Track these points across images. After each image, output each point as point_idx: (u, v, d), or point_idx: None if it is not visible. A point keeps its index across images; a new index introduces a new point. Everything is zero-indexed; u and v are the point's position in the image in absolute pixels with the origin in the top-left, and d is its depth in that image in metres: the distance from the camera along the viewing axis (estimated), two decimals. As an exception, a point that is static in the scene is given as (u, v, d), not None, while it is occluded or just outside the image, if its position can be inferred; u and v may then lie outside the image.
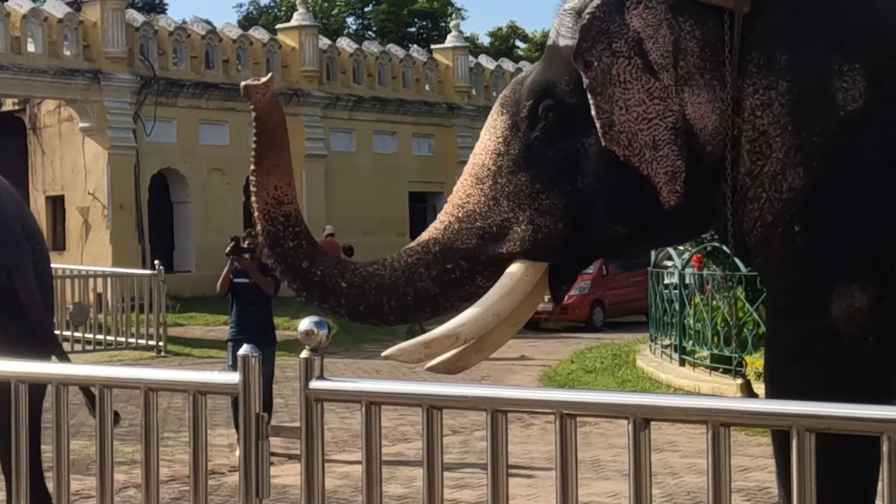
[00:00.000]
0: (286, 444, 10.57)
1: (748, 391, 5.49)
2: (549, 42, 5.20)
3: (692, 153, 4.83)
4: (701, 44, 4.83)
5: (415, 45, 39.32)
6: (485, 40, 57.75)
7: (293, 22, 33.35)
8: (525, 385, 16.38)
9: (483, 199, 5.10)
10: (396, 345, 5.12)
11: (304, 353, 3.97)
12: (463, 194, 5.19)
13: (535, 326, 26.32)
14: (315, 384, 3.94)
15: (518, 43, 59.36)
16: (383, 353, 5.14)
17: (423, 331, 5.82)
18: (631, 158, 4.85)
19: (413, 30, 55.14)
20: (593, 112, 4.89)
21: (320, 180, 32.14)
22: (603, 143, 4.89)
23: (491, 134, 5.19)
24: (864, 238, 4.64)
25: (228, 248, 11.93)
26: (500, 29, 58.87)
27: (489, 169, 5.12)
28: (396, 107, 33.97)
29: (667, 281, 18.03)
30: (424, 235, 5.24)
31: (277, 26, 35.04)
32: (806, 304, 4.73)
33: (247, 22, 47.97)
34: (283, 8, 52.52)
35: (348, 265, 5.27)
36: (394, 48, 36.17)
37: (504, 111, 5.18)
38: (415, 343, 5.08)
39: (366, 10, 56.66)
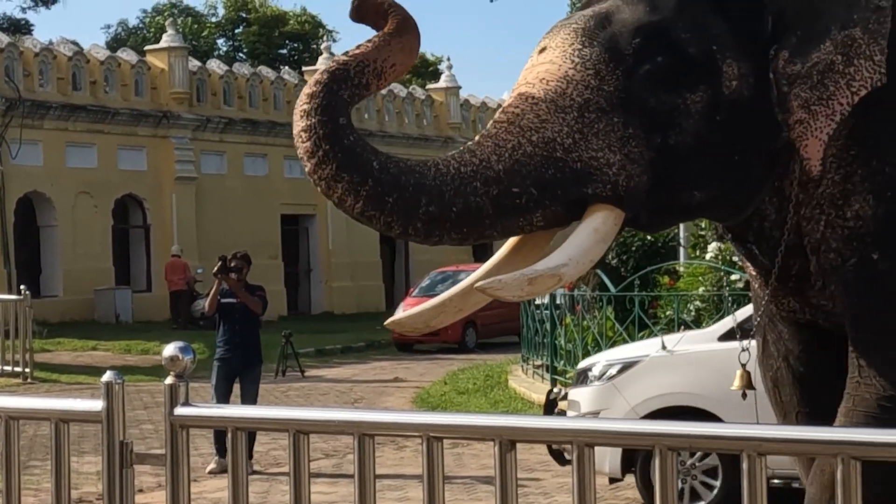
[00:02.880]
0: (155, 471, 10.43)
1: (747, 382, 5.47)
2: None
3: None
4: None
5: (286, 67, 39.19)
6: (356, 62, 57.73)
7: (162, 43, 33.04)
8: (398, 407, 16.38)
9: (567, 130, 4.66)
10: (495, 277, 4.61)
11: (169, 380, 3.93)
12: (536, 119, 4.68)
13: (409, 348, 26.34)
14: (180, 410, 3.91)
15: (390, 65, 59.42)
16: (478, 285, 4.60)
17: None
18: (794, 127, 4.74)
19: (284, 52, 54.89)
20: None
21: (191, 203, 31.85)
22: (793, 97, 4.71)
23: (575, 63, 4.73)
24: None
25: (216, 268, 12.22)
26: (371, 51, 58.88)
27: (574, 100, 4.69)
28: (268, 129, 33.79)
29: (538, 301, 18.18)
30: (478, 149, 4.68)
31: (146, 48, 34.68)
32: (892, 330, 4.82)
33: (115, 43, 47.39)
34: (152, 29, 51.93)
35: (381, 153, 4.64)
36: (265, 70, 36.03)
37: (593, 43, 4.76)
38: (516, 277, 4.58)
39: (236, 31, 56.31)
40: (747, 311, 9.68)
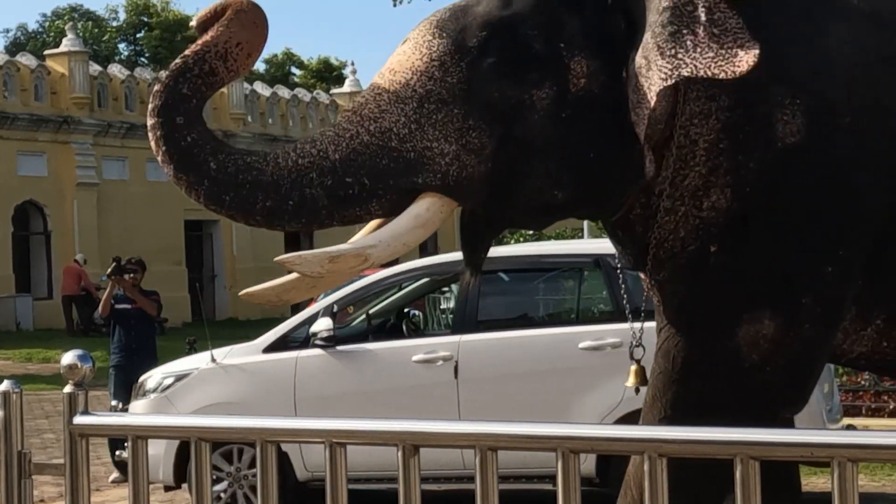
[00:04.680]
0: (57, 481, 10.29)
1: (642, 378, 5.38)
2: None
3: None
4: None
5: (189, 72, 38.85)
6: (260, 67, 57.51)
7: (62, 48, 32.63)
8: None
9: (404, 119, 4.66)
10: (297, 253, 4.67)
11: (68, 388, 3.89)
12: (376, 109, 4.70)
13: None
14: (79, 419, 3.86)
15: (294, 70, 59.33)
16: (278, 258, 4.69)
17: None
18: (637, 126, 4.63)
19: (187, 56, 54.55)
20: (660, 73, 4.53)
21: (92, 209, 31.47)
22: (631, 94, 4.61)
23: (423, 55, 4.74)
24: (780, 269, 4.68)
25: (109, 270, 12.19)
26: (275, 56, 58.72)
27: (416, 91, 4.69)
28: (171, 134, 33.45)
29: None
30: (319, 140, 4.74)
31: (46, 52, 34.24)
32: (712, 323, 4.74)
33: (14, 48, 46.69)
34: (52, 33, 51.35)
35: (224, 147, 4.76)
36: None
37: (442, 35, 4.75)
38: (318, 254, 4.64)
39: (138, 36, 55.87)
40: (291, 322, 9.97)
